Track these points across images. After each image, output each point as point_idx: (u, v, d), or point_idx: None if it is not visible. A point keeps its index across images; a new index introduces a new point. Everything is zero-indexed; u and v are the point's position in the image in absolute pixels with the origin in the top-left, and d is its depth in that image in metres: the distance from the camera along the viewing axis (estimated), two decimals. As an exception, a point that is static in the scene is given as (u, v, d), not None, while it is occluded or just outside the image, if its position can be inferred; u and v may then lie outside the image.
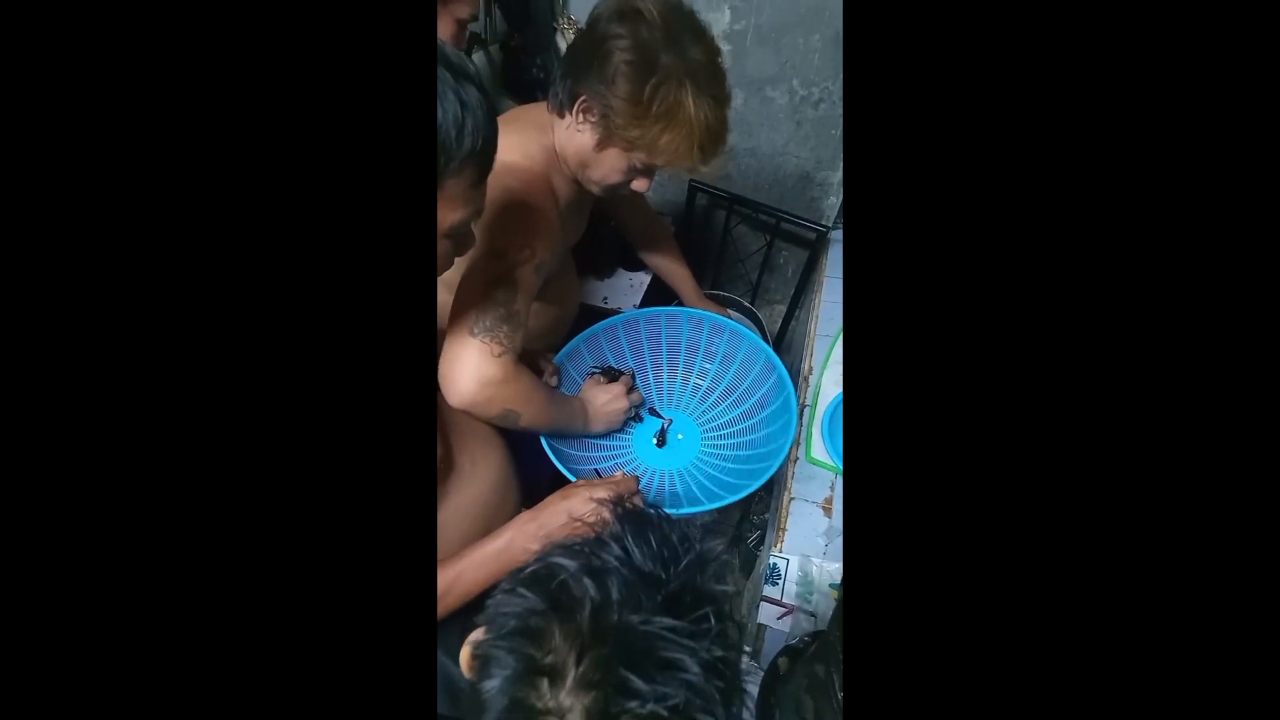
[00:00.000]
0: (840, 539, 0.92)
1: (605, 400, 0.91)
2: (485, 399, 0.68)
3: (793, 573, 0.89)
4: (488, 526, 0.62)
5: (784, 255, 1.69)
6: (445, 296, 0.71)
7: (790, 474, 0.98)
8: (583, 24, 0.81)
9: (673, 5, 0.71)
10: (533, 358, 0.96)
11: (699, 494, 0.89)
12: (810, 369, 1.15)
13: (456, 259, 0.60)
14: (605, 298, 1.40)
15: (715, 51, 0.73)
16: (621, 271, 1.45)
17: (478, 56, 1.16)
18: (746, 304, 1.50)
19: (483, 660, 0.35)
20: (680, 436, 1.01)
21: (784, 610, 0.87)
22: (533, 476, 0.81)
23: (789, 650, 0.79)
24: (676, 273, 1.22)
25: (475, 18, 0.88)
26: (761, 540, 1.24)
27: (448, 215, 0.52)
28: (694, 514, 0.81)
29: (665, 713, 0.31)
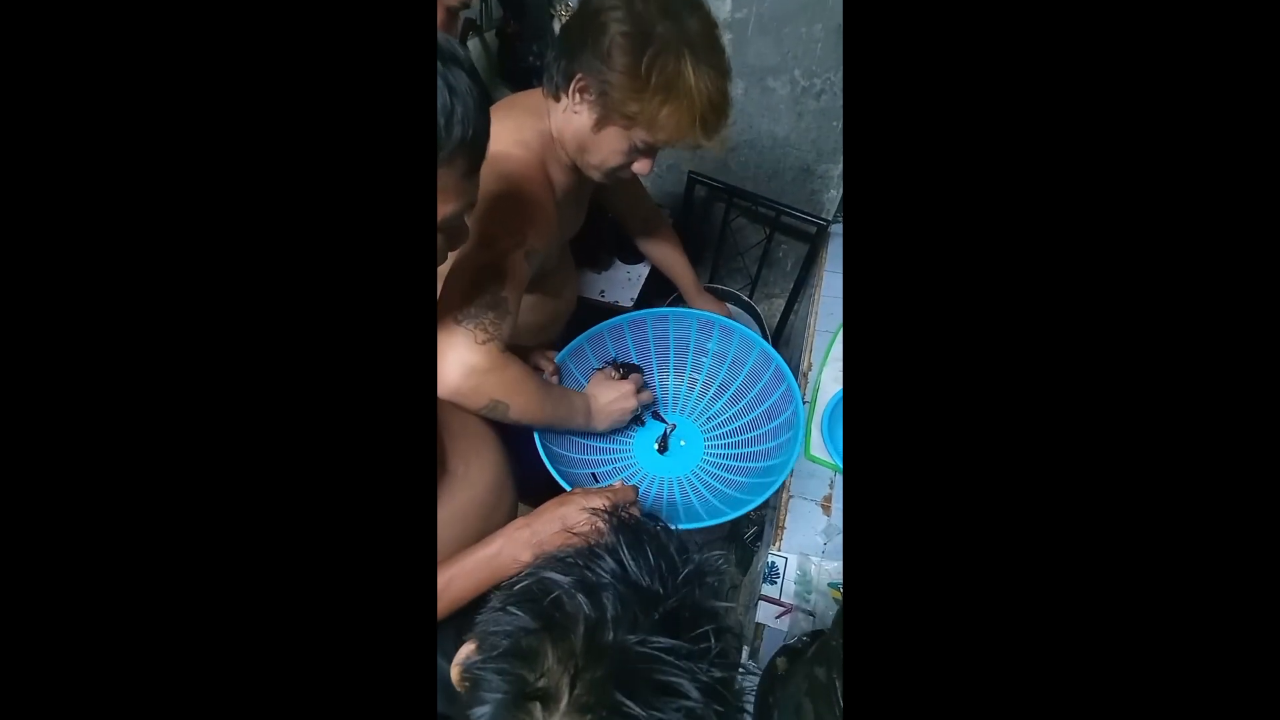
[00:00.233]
0: (840, 537, 0.91)
1: (612, 398, 0.86)
2: (471, 388, 0.66)
3: (791, 571, 0.89)
4: (482, 531, 0.60)
5: (783, 249, 1.68)
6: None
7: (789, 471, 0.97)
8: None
9: None
10: (532, 354, 0.94)
11: (699, 506, 0.87)
12: (809, 365, 1.13)
13: (450, 253, 0.58)
14: (603, 291, 1.39)
15: (712, 23, 0.71)
16: (619, 264, 1.44)
17: (473, 44, 1.14)
18: (745, 298, 1.49)
19: (473, 683, 0.34)
20: (683, 443, 0.97)
21: (782, 609, 0.86)
22: (530, 479, 0.79)
23: (787, 650, 0.79)
24: (676, 265, 1.19)
25: (467, 4, 0.86)
26: (759, 536, 1.23)
27: (439, 208, 0.50)
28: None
29: None
